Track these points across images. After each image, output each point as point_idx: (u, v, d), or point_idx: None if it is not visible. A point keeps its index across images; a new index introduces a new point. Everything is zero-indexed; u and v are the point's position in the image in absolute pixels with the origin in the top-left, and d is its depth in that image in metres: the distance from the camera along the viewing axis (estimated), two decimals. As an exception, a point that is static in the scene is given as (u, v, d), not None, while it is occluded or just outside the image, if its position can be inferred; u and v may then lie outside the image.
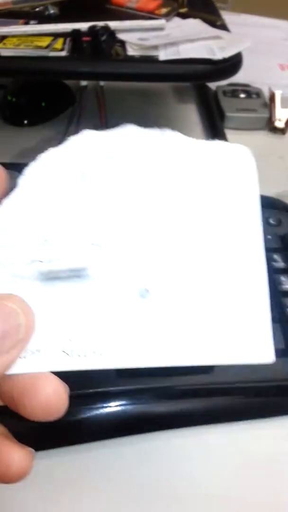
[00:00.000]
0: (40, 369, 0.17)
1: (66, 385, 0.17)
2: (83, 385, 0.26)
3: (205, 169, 0.19)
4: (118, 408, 0.26)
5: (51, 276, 0.18)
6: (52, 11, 0.50)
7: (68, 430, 0.26)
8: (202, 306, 0.18)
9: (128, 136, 0.19)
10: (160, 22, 0.48)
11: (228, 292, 0.19)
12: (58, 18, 0.50)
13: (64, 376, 0.17)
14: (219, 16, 0.51)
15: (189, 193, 0.19)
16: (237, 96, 0.60)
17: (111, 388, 0.26)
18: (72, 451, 0.26)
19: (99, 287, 0.18)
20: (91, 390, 0.26)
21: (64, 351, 0.18)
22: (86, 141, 0.19)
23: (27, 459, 0.17)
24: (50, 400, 0.16)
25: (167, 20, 0.49)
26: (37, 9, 0.50)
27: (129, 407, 0.26)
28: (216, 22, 0.49)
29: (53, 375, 0.17)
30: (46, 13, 0.50)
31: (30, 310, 0.17)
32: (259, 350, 0.18)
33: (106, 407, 0.26)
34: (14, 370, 0.17)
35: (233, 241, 0.19)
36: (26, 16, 0.49)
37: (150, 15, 0.50)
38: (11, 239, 0.18)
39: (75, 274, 0.18)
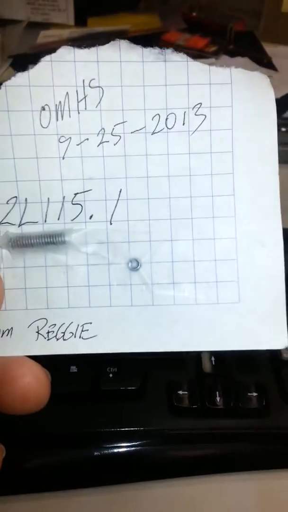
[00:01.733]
0: (12, 352, 0.15)
1: (48, 372, 0.15)
2: (129, 420, 0.22)
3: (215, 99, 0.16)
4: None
5: (22, 243, 0.15)
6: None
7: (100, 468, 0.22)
8: (206, 281, 0.15)
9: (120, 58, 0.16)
10: (210, 60, 0.51)
11: (239, 266, 0.15)
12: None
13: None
14: (265, 54, 0.53)
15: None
16: (279, 130, 0.61)
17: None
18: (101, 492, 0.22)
19: (80, 257, 0.15)
20: (136, 428, 0.22)
21: (38, 332, 0.15)
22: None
23: None
24: (29, 388, 0.14)
25: (216, 58, 0.51)
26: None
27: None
28: (263, 60, 0.52)
29: (31, 361, 0.15)
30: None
31: None
32: (271, 335, 0.15)
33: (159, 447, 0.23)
34: None
35: (249, 201, 0.16)
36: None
37: (199, 53, 0.53)
38: None
39: (51, 240, 0.15)
